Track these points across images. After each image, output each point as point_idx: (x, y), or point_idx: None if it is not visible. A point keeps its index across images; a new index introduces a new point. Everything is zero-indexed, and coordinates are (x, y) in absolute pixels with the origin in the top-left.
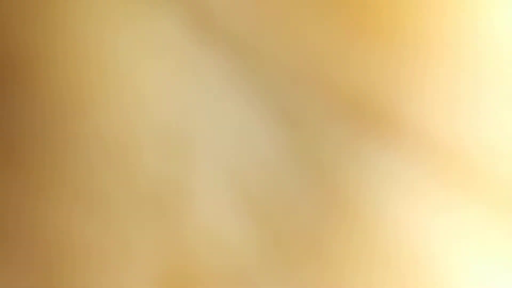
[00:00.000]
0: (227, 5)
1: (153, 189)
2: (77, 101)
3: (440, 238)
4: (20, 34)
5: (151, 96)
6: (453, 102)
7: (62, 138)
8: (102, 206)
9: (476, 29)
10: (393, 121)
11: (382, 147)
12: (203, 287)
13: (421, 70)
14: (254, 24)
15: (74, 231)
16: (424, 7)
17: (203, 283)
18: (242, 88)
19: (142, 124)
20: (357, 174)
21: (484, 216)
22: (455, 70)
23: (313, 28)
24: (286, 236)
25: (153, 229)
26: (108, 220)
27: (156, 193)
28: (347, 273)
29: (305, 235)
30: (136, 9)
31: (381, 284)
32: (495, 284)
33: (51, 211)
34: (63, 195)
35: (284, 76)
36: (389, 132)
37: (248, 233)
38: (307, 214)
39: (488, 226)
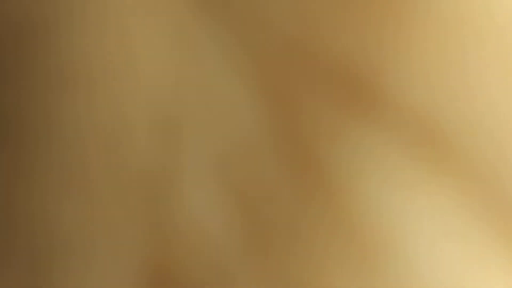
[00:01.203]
0: None
1: (141, 176)
2: (68, 79)
3: (421, 221)
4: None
5: (144, 74)
6: (436, 78)
7: (49, 120)
8: (89, 192)
9: (469, 3)
10: (376, 97)
11: (365, 126)
12: (187, 275)
13: (404, 45)
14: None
15: (60, 216)
16: None
17: (188, 271)
18: (233, 63)
19: (134, 106)
20: (339, 154)
21: (459, 195)
22: (441, 46)
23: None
24: (269, 223)
25: (139, 216)
26: (94, 206)
27: (143, 180)
28: (328, 261)
29: (288, 222)
30: None
31: (361, 272)
32: (463, 259)
33: (37, 196)
34: (48, 179)
35: (274, 52)
36: (372, 109)
37: (231, 221)
38: (289, 199)
39: (461, 205)
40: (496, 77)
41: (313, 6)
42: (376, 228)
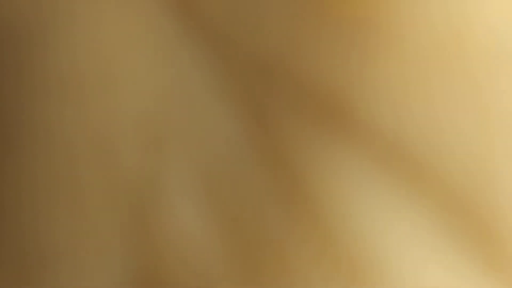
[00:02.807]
0: None
1: (129, 186)
2: (56, 88)
3: (396, 240)
4: None
5: (129, 85)
6: (400, 99)
7: (36, 126)
8: (77, 200)
9: (431, 30)
10: (346, 116)
11: (338, 141)
12: (173, 283)
13: (370, 70)
14: (233, 15)
15: (48, 225)
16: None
17: (173, 278)
18: (215, 81)
19: (120, 116)
20: (315, 167)
21: (428, 210)
22: (404, 69)
23: (284, 23)
24: (252, 233)
25: (127, 225)
26: (81, 214)
27: (131, 190)
28: (315, 275)
29: (270, 232)
30: None
31: (337, 281)
32: (422, 263)
33: (25, 203)
34: (37, 186)
35: (254, 70)
36: (346, 129)
37: (215, 230)
38: (272, 209)
39: (428, 221)
40: (458, 95)
41: (291, 33)
42: (360, 243)
